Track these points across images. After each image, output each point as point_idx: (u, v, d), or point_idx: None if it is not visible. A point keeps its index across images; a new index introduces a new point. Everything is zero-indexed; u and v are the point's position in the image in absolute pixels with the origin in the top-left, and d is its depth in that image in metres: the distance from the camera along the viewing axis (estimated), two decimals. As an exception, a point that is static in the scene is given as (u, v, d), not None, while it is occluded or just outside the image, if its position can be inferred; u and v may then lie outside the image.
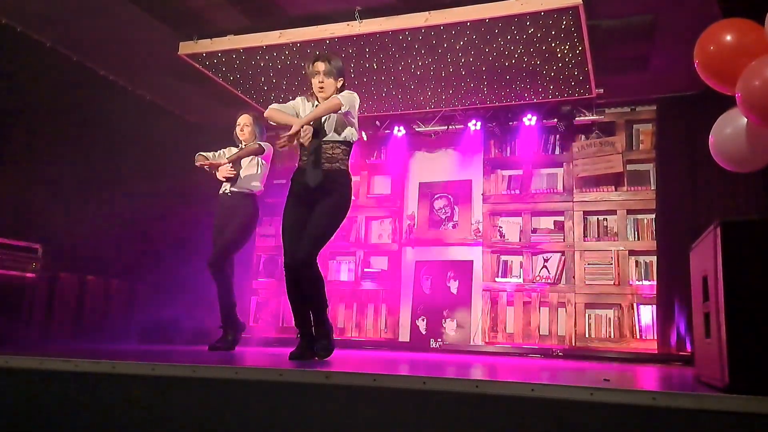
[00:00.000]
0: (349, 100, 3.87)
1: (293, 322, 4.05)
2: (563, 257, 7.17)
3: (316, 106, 3.91)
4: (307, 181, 3.87)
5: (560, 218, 7.30)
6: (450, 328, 7.32)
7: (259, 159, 5.19)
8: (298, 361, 3.59)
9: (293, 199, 3.97)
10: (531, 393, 2.03)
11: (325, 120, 3.89)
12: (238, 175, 5.12)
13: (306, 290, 3.89)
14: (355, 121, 3.99)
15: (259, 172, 5.20)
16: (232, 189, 5.11)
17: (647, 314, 6.70)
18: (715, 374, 2.27)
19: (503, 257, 7.52)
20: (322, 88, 3.92)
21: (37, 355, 2.76)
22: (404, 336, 7.55)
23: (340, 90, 3.99)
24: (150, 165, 7.16)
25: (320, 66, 3.93)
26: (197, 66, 6.26)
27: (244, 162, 5.16)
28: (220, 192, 5.20)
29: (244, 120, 5.23)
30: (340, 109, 3.81)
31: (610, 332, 6.82)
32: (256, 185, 5.19)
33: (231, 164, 5.09)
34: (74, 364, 2.56)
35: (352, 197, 4.09)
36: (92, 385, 2.50)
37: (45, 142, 6.12)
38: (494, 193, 7.60)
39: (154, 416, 2.39)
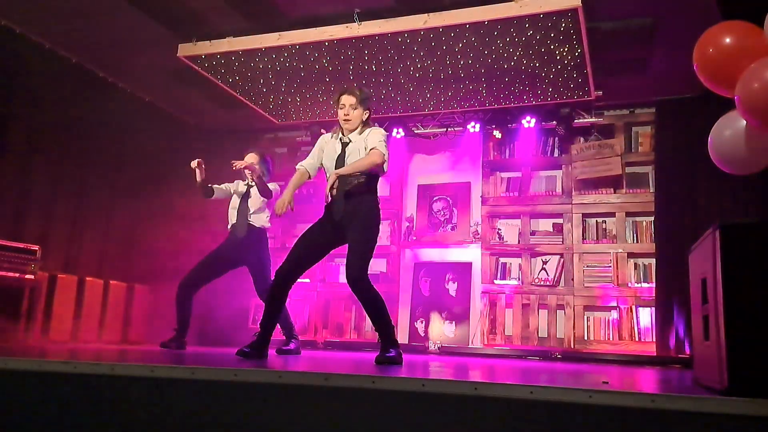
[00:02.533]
0: (385, 146, 3.96)
1: (261, 320, 4.08)
2: (562, 259, 7.17)
3: (346, 143, 4.03)
4: (333, 213, 3.99)
5: (559, 220, 7.30)
6: (449, 330, 7.32)
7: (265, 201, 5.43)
8: (245, 359, 3.65)
9: (321, 223, 4.09)
10: (530, 395, 2.03)
11: (348, 156, 3.99)
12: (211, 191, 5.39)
13: (365, 306, 3.96)
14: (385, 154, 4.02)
15: (268, 211, 5.47)
16: (250, 223, 5.37)
17: (646, 317, 6.70)
18: (714, 377, 2.27)
19: (502, 259, 7.52)
20: (348, 119, 4.04)
21: (36, 356, 2.76)
22: (403, 338, 7.54)
23: (365, 122, 4.10)
24: (149, 166, 7.16)
25: (347, 99, 4.05)
26: (196, 68, 6.26)
27: (255, 199, 5.39)
28: (231, 225, 5.40)
29: (250, 158, 5.40)
30: (382, 165, 3.94)
31: (608, 334, 6.81)
32: (266, 222, 5.47)
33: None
34: (73, 365, 2.55)
35: (380, 217, 4.12)
36: (91, 386, 2.50)
37: (44, 144, 6.12)
38: (493, 195, 7.60)
39: (153, 418, 2.38)
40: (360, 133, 4.08)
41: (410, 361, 4.58)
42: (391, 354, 3.73)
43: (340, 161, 4.01)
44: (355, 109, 4.05)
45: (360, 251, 3.91)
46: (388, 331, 3.89)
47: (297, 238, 4.10)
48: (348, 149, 4.03)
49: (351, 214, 3.95)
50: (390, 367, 3.34)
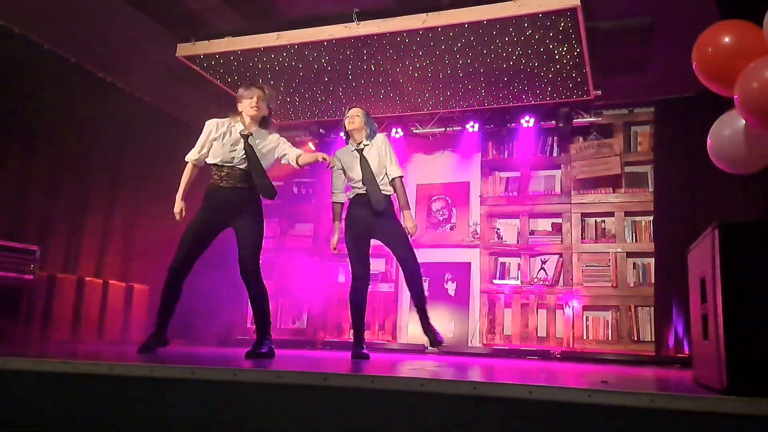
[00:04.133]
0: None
1: (159, 313, 4.22)
2: (561, 259, 7.17)
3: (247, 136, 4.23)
4: (225, 199, 4.19)
5: (558, 220, 7.31)
6: (448, 329, 7.32)
7: None
8: (146, 354, 3.88)
9: (206, 213, 4.24)
10: (529, 395, 2.03)
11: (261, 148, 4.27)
12: None
13: (253, 299, 4.29)
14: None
15: None
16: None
17: (645, 316, 6.70)
18: (713, 376, 2.27)
19: (501, 259, 7.52)
20: (258, 107, 4.25)
21: (36, 356, 2.76)
22: (402, 338, 7.55)
23: (266, 119, 4.39)
24: (148, 166, 7.15)
25: (259, 92, 4.27)
26: (195, 68, 6.26)
27: None
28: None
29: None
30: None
31: (607, 334, 6.82)
32: None
33: None
34: (72, 365, 2.55)
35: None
36: (90, 386, 2.49)
37: (43, 144, 6.11)
38: (492, 195, 7.60)
39: (152, 418, 2.38)
40: (264, 128, 4.34)
41: (409, 361, 4.58)
42: (263, 350, 4.03)
43: (253, 155, 4.19)
44: (264, 102, 4.29)
45: (254, 242, 4.18)
46: (268, 325, 4.23)
47: (186, 233, 4.21)
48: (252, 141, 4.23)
49: (240, 204, 4.16)
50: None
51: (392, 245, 4.60)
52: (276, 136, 4.41)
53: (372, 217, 4.54)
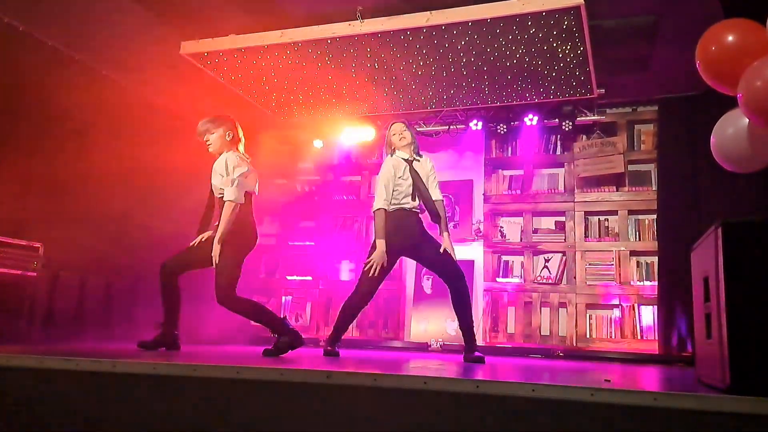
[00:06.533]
0: (231, 190, 4.43)
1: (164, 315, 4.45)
2: (564, 257, 7.16)
3: None
4: None
5: (561, 218, 7.30)
6: (450, 328, 7.31)
7: None
8: (148, 350, 4.12)
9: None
10: (532, 393, 2.03)
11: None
12: None
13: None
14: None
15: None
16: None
17: (648, 315, 6.70)
18: (716, 375, 2.27)
19: (504, 257, 7.52)
20: (208, 144, 4.50)
21: (38, 353, 2.77)
22: (405, 336, 7.55)
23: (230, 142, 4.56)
24: (152, 164, 7.15)
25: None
26: (199, 65, 6.26)
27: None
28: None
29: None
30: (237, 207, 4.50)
31: (611, 333, 6.81)
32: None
33: None
34: (75, 363, 2.56)
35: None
36: (93, 384, 2.50)
37: (46, 141, 6.12)
38: (495, 193, 7.59)
39: (155, 415, 2.39)
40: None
41: (412, 359, 4.59)
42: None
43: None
44: (212, 133, 4.43)
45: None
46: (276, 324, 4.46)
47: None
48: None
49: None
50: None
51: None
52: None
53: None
